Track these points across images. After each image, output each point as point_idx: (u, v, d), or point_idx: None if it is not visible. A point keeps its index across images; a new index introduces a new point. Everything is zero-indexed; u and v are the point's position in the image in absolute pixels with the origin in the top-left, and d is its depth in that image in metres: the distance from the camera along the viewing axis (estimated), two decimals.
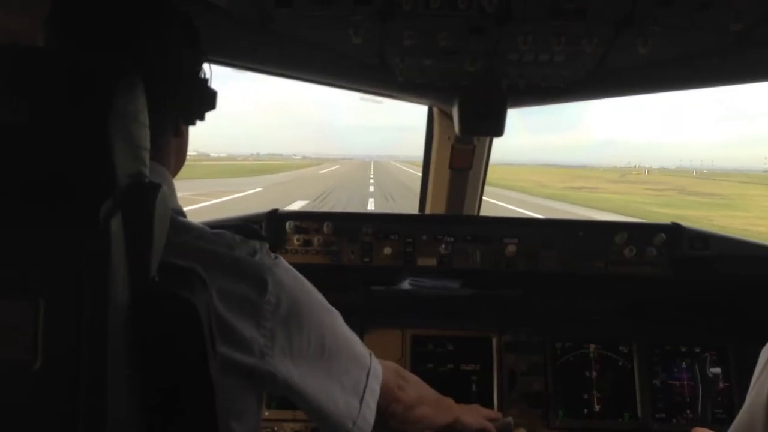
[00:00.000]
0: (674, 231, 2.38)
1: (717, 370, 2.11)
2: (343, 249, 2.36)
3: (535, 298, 2.54)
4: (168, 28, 1.07)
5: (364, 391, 1.24)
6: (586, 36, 1.65)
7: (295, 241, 2.34)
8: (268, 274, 1.06)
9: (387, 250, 2.34)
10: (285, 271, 1.11)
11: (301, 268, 1.18)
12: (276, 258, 1.11)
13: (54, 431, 0.70)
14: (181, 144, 1.18)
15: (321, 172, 59.41)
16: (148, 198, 0.80)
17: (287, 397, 1.13)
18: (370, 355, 1.33)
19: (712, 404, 2.18)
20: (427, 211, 2.89)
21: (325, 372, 1.16)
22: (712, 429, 1.71)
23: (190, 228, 1.04)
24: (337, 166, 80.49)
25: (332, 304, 1.25)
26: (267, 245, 1.12)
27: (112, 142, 0.75)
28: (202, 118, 1.17)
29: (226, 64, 2.01)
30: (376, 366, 1.33)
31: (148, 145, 0.88)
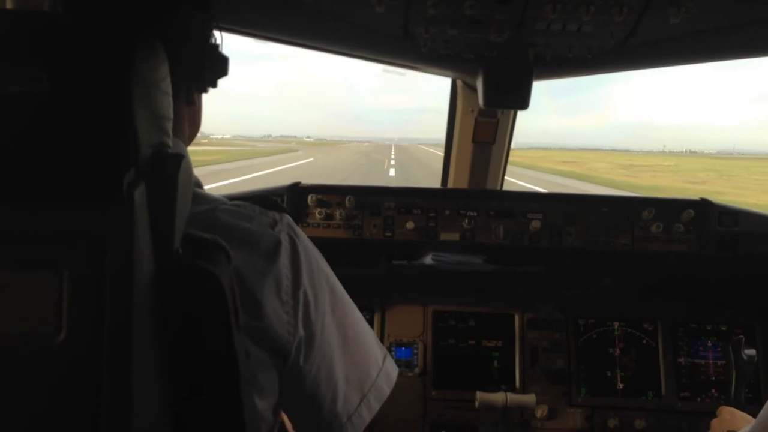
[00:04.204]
0: (703, 207, 2.33)
1: (752, 351, 2.03)
2: (365, 223, 2.35)
3: (559, 275, 2.52)
4: None
5: (368, 390, 1.20)
6: (615, 5, 1.60)
7: (317, 215, 2.33)
8: (286, 248, 1.04)
9: (409, 225, 2.33)
10: (305, 248, 1.08)
11: (323, 242, 1.16)
12: (297, 232, 1.09)
13: (78, 403, 0.70)
14: (193, 113, 1.15)
15: None
16: (171, 169, 0.78)
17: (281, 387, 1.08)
18: (385, 357, 1.28)
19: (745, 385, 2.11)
20: (450, 185, 2.86)
21: (333, 360, 1.12)
22: (741, 410, 1.68)
23: (209, 200, 1.03)
24: (309, 160, 44.47)
25: (354, 278, 1.21)
26: (287, 217, 1.09)
27: (133, 111, 0.73)
28: (214, 84, 1.14)
29: (248, 34, 1.99)
30: (390, 368, 1.27)
31: (171, 114, 0.86)
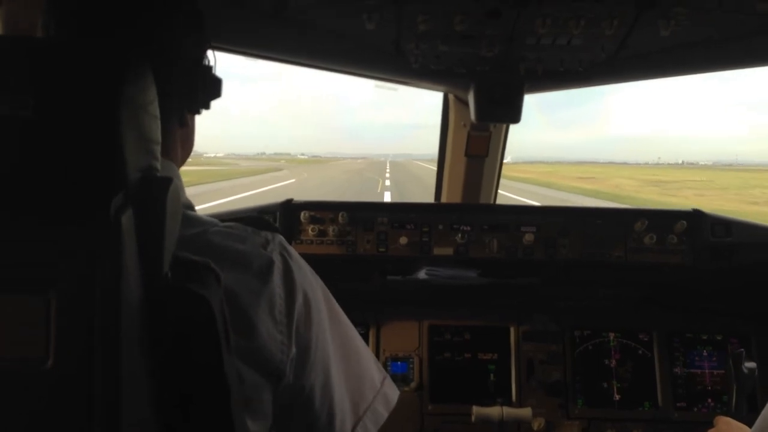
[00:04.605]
0: (696, 218, 2.33)
1: (752, 364, 2.01)
2: (359, 239, 2.34)
3: (553, 287, 2.52)
4: (170, 13, 1.03)
5: (364, 413, 1.18)
6: (606, 18, 1.61)
7: (310, 231, 2.33)
8: (279, 268, 1.03)
9: (403, 240, 2.32)
10: (298, 268, 1.07)
11: (317, 258, 1.16)
12: (289, 251, 1.08)
13: (68, 430, 0.69)
14: (186, 135, 1.14)
15: None
16: (159, 192, 0.77)
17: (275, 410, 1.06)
18: (384, 379, 1.27)
19: (746, 398, 2.09)
20: (443, 200, 2.87)
21: (327, 380, 1.11)
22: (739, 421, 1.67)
23: (201, 222, 1.02)
24: (290, 181, 38.61)
25: (348, 294, 1.20)
26: (280, 237, 1.08)
27: (122, 134, 0.72)
28: (207, 106, 1.13)
29: (239, 52, 1.98)
30: (390, 391, 1.26)
31: (159, 138, 0.85)
